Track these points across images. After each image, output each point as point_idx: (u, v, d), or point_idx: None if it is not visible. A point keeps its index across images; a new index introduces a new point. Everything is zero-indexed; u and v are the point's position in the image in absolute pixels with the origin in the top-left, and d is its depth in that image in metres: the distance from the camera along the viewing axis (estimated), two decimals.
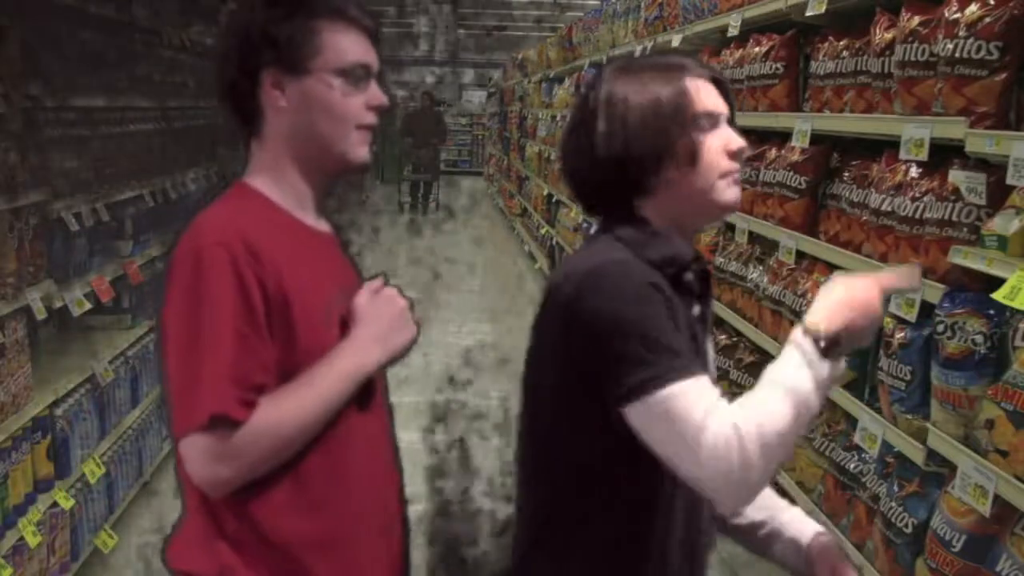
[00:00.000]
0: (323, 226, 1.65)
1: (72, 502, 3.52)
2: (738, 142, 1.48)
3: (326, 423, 1.49)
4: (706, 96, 1.47)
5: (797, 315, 2.90)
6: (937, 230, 2.21)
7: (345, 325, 1.53)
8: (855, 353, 2.64)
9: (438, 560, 3.48)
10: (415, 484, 3.45)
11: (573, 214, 7.56)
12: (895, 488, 2.41)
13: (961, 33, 2.10)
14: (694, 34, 4.29)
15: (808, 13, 2.93)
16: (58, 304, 3.59)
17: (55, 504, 3.42)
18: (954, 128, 2.13)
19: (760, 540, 1.62)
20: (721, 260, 3.68)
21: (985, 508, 1.96)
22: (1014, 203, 2.01)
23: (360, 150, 1.59)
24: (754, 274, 3.38)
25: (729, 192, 1.48)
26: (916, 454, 2.29)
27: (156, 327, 1.53)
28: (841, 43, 2.84)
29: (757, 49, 3.37)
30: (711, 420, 1.29)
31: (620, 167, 1.45)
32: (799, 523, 1.60)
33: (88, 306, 3.81)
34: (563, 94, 8.96)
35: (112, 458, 4.01)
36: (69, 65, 3.85)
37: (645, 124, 1.43)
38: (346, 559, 1.55)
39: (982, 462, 1.98)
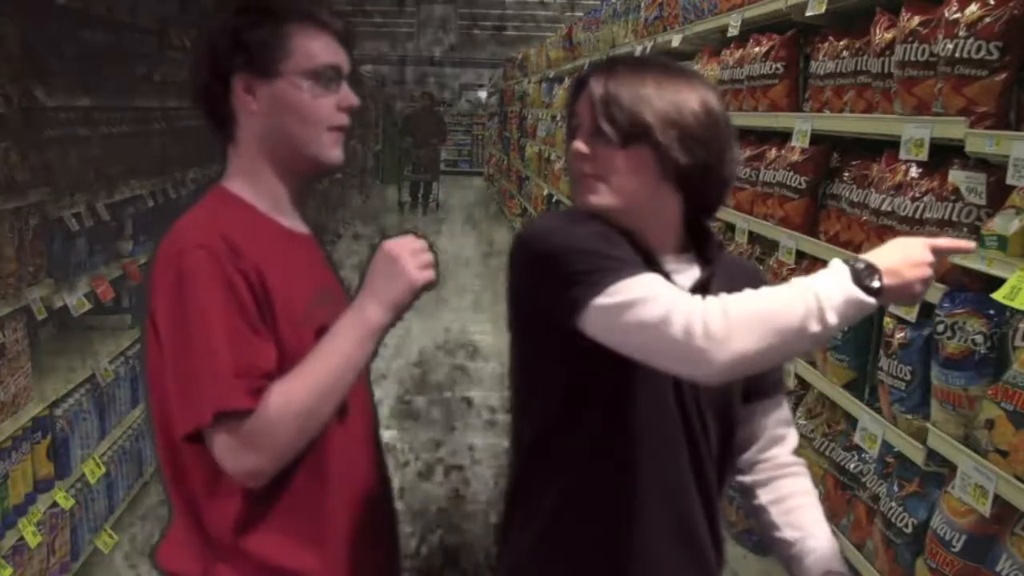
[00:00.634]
0: (300, 227, 1.66)
1: (72, 502, 3.52)
2: None
3: (348, 388, 1.50)
4: None
5: None
6: (937, 230, 2.21)
7: (324, 327, 1.53)
8: (855, 353, 2.66)
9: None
10: None
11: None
12: (895, 488, 2.41)
13: (961, 33, 2.10)
14: (694, 34, 4.29)
15: (808, 13, 2.92)
16: (58, 304, 3.59)
17: (55, 504, 3.42)
18: (954, 128, 2.13)
19: (787, 559, 1.63)
20: None
21: (985, 508, 1.96)
22: (1014, 203, 2.01)
23: (332, 151, 1.60)
24: None
25: None
26: (916, 454, 2.29)
27: (142, 335, 1.54)
28: (841, 43, 2.84)
29: (757, 49, 3.37)
30: (665, 299, 1.31)
31: None
32: (818, 554, 1.59)
33: (88, 306, 3.81)
34: (563, 94, 8.95)
35: (112, 458, 4.01)
36: (69, 65, 3.85)
37: None
38: (331, 561, 1.55)
39: (982, 462, 1.98)
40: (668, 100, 1.46)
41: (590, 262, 1.37)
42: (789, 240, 3.05)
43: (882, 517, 2.42)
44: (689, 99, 1.48)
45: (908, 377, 2.33)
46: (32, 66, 3.45)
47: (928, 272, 1.38)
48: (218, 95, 1.56)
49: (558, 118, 8.96)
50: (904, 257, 1.36)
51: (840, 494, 2.76)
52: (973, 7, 2.09)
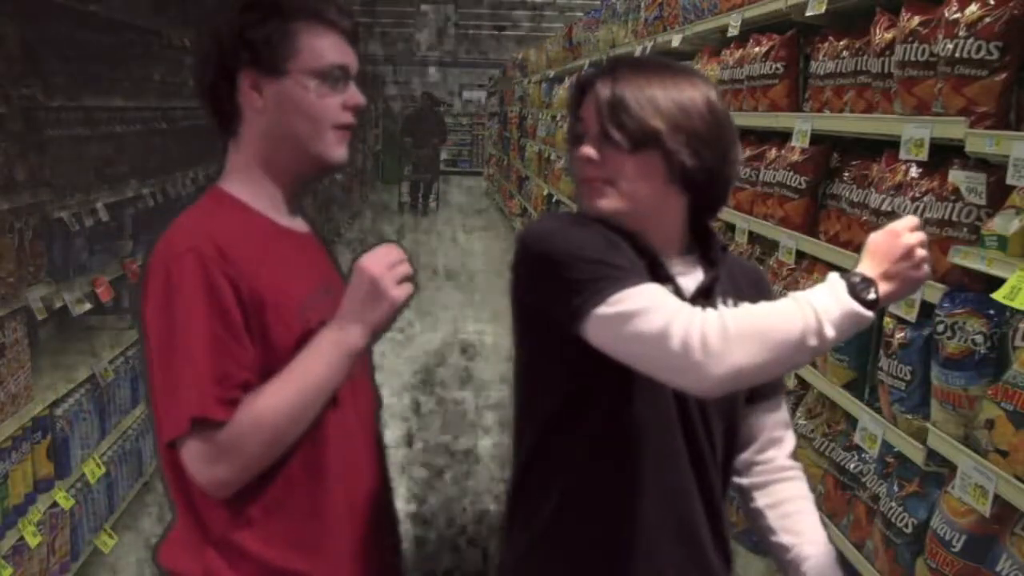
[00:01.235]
0: (300, 225, 1.66)
1: (72, 502, 3.52)
2: None
3: (321, 406, 1.49)
4: None
5: None
6: (937, 230, 2.21)
7: (320, 327, 1.52)
8: (855, 354, 2.66)
9: None
10: None
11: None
12: (895, 488, 2.41)
13: (961, 33, 2.10)
14: (694, 34, 4.29)
15: (808, 13, 2.92)
16: (58, 304, 3.59)
17: (55, 504, 3.42)
18: (954, 128, 2.13)
19: (783, 564, 1.63)
20: None
21: (985, 508, 1.96)
22: (1014, 203, 2.01)
23: (337, 150, 1.59)
24: None
25: None
26: (916, 454, 2.29)
27: (139, 336, 1.54)
28: (841, 43, 2.84)
29: (757, 49, 3.37)
30: (665, 311, 1.32)
31: None
32: (814, 561, 1.59)
33: (88, 306, 3.81)
34: (563, 94, 8.95)
35: (112, 458, 4.01)
36: (69, 65, 3.85)
37: None
38: (331, 561, 1.55)
39: (982, 462, 1.98)
40: (675, 102, 1.46)
41: (593, 270, 1.37)
42: (789, 240, 3.05)
43: (882, 517, 2.42)
44: (694, 99, 1.48)
45: (908, 377, 2.33)
46: (32, 66, 3.45)
47: (919, 254, 1.39)
48: (223, 92, 1.56)
49: (558, 118, 8.96)
50: (887, 257, 1.37)
51: (840, 494, 2.76)
52: (973, 7, 2.09)
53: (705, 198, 1.53)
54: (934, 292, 2.18)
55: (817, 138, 2.96)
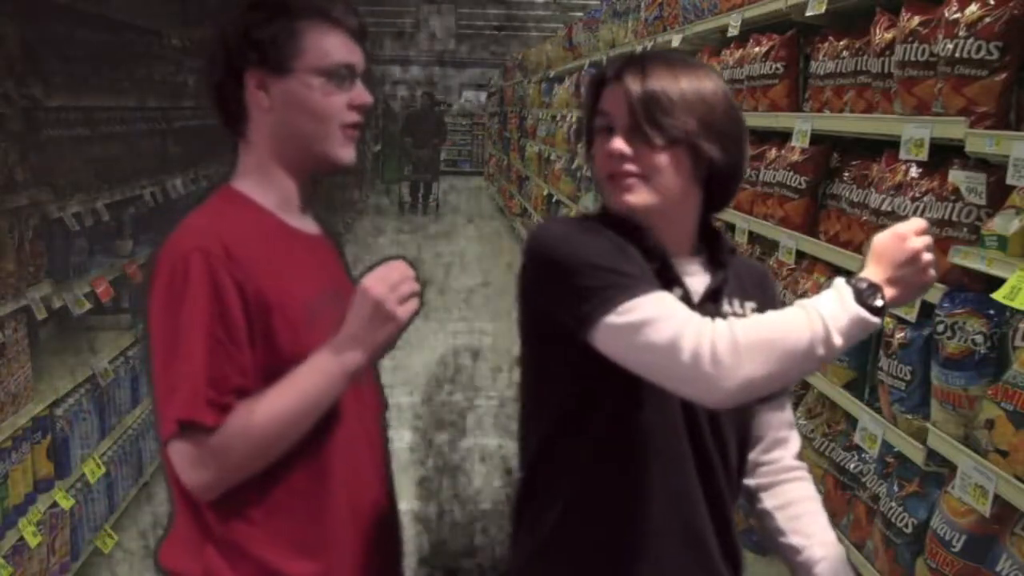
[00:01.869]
0: (310, 227, 1.65)
1: (72, 502, 3.52)
2: None
3: (313, 423, 1.48)
4: None
5: None
6: (937, 230, 2.21)
7: (328, 330, 1.51)
8: (855, 354, 2.66)
9: None
10: None
11: (572, 215, 7.56)
12: (895, 488, 2.41)
13: (961, 33, 2.10)
14: (694, 34, 4.29)
15: (808, 13, 2.92)
16: (58, 304, 3.59)
17: (55, 504, 3.42)
18: (954, 128, 2.13)
19: (794, 566, 1.62)
20: None
21: (985, 508, 1.96)
22: (1014, 203, 2.01)
23: (344, 149, 1.59)
24: None
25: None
26: (916, 454, 2.29)
27: (143, 333, 1.54)
28: (841, 43, 2.84)
29: (757, 49, 3.37)
30: (676, 321, 1.31)
31: None
32: (828, 563, 1.59)
33: (88, 306, 3.81)
34: (563, 94, 8.96)
35: (112, 458, 4.01)
36: (69, 65, 3.85)
37: None
38: (332, 566, 1.55)
39: (982, 462, 1.98)
40: (702, 97, 1.46)
41: (602, 277, 1.36)
42: (789, 240, 3.05)
43: (882, 517, 2.42)
44: (716, 93, 1.48)
45: (908, 377, 2.33)
46: (32, 66, 3.45)
47: (925, 258, 1.38)
48: (230, 92, 1.56)
49: (558, 118, 8.96)
50: (894, 261, 1.37)
51: (840, 494, 2.76)
52: (973, 7, 2.09)
53: (719, 194, 1.53)
54: (934, 292, 2.18)
55: (817, 138, 2.96)
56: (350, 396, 1.55)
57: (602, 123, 1.49)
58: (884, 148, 2.55)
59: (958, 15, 2.13)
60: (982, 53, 2.06)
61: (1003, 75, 2.05)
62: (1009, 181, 1.92)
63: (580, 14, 10.30)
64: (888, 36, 2.51)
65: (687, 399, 1.37)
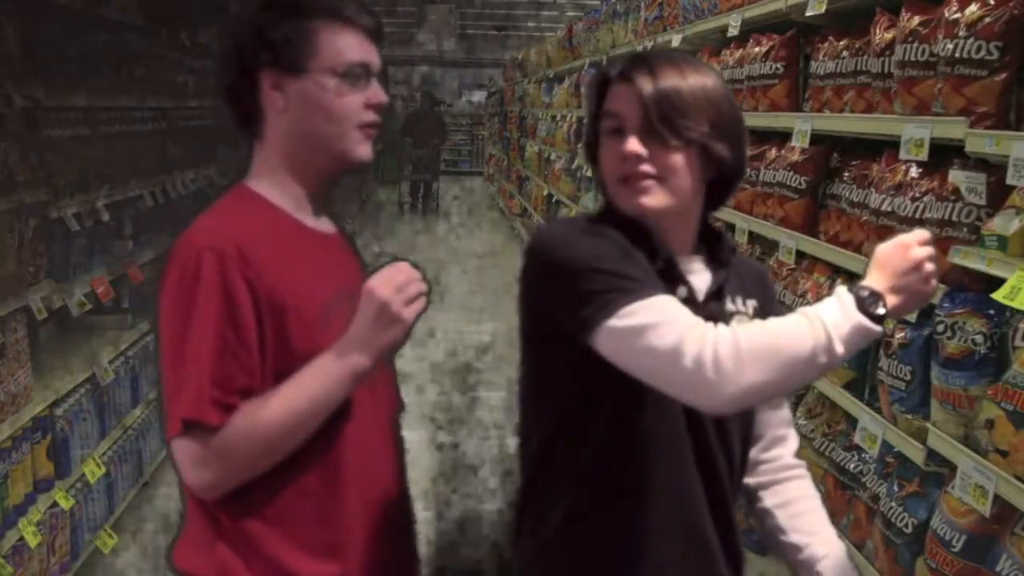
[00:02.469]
0: (326, 226, 1.64)
1: (72, 502, 3.52)
2: None
3: (319, 425, 1.48)
4: None
5: None
6: (937, 230, 2.21)
7: (341, 329, 1.51)
8: (855, 354, 2.65)
9: None
10: None
11: (572, 215, 7.56)
12: (895, 488, 2.41)
13: (961, 33, 2.10)
14: (694, 34, 4.29)
15: (808, 13, 2.92)
16: (58, 304, 3.59)
17: (55, 504, 3.42)
18: (954, 128, 2.13)
19: (795, 564, 1.62)
20: None
21: (985, 508, 1.96)
22: (1014, 203, 2.01)
23: (361, 148, 1.58)
24: None
25: None
26: (916, 454, 2.29)
27: (153, 330, 1.54)
28: (841, 43, 2.84)
29: (757, 49, 3.37)
30: (678, 326, 1.31)
31: None
32: (829, 560, 1.59)
33: (88, 306, 3.81)
34: (563, 94, 8.96)
35: (112, 458, 4.01)
36: (69, 65, 3.85)
37: None
38: (345, 562, 1.55)
39: (982, 462, 1.98)
40: (708, 96, 1.46)
41: (605, 280, 1.36)
42: (789, 240, 3.05)
43: (882, 517, 2.42)
44: (720, 92, 1.48)
45: (908, 377, 2.33)
46: (32, 66, 3.45)
47: (927, 268, 1.38)
48: (245, 93, 1.55)
49: (558, 118, 8.96)
50: (896, 270, 1.37)
51: (840, 494, 2.76)
52: (973, 7, 2.09)
53: (722, 193, 1.54)
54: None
55: (817, 138, 2.96)
56: (365, 396, 1.55)
57: (610, 124, 1.48)
58: (884, 148, 2.55)
59: (958, 15, 2.13)
60: (982, 53, 2.06)
61: (1003, 75, 2.05)
62: (1009, 181, 1.92)
63: (580, 14, 10.30)
64: (888, 36, 2.51)
65: (688, 405, 1.37)
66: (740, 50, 3.57)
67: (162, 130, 5.05)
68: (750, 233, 3.45)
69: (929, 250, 1.39)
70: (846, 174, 2.86)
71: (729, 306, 1.53)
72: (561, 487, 1.50)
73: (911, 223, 2.32)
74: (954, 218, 2.19)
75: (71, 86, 3.84)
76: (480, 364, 6.25)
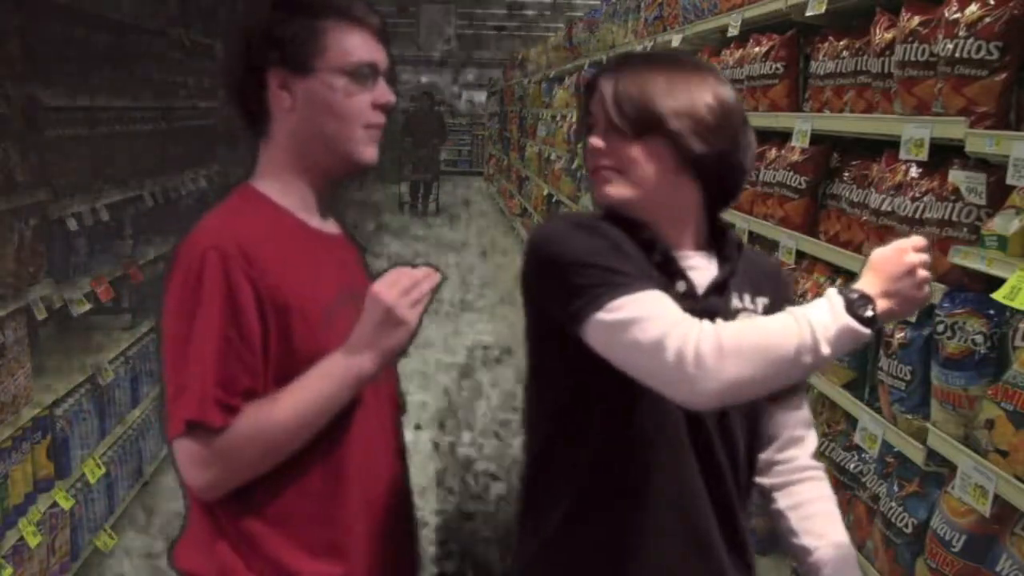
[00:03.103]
0: (331, 227, 1.64)
1: (72, 502, 3.52)
2: None
3: (322, 427, 1.48)
4: None
5: None
6: (937, 230, 2.21)
7: (345, 330, 1.51)
8: (855, 354, 2.66)
9: None
10: None
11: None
12: (895, 488, 2.41)
13: (961, 33, 2.10)
14: (694, 34, 4.29)
15: (808, 13, 2.92)
16: (58, 304, 3.59)
17: (55, 504, 3.42)
18: (954, 128, 2.13)
19: (805, 567, 1.61)
20: None
21: (985, 508, 1.96)
22: (1014, 203, 2.01)
23: (368, 149, 1.58)
24: None
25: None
26: (916, 454, 2.29)
27: (157, 330, 1.54)
28: (841, 43, 2.84)
29: (757, 49, 3.37)
30: (663, 321, 1.32)
31: None
32: (836, 565, 1.58)
33: (88, 306, 3.81)
34: (563, 94, 8.96)
35: (112, 458, 4.01)
36: (69, 65, 3.85)
37: None
38: (346, 562, 1.55)
39: (982, 462, 1.98)
40: (679, 92, 1.47)
41: (595, 275, 1.37)
42: (789, 240, 3.05)
43: (882, 517, 2.42)
44: (701, 91, 1.48)
45: (908, 377, 2.33)
46: (32, 66, 3.45)
47: (922, 274, 1.38)
48: (252, 92, 1.55)
49: (558, 118, 8.96)
50: (890, 275, 1.37)
51: (840, 494, 2.75)
52: (973, 7, 2.09)
53: (719, 187, 1.53)
54: (934, 292, 2.19)
55: (817, 138, 2.96)
56: (368, 396, 1.55)
57: (588, 123, 1.53)
58: (884, 148, 2.55)
59: (958, 15, 2.13)
60: (982, 53, 2.06)
61: (1003, 75, 2.05)
62: (1009, 181, 1.92)
63: (580, 14, 10.30)
64: (888, 36, 2.51)
65: (670, 399, 1.37)
66: (740, 50, 3.57)
67: (162, 130, 5.05)
68: (750, 233, 3.45)
69: (924, 256, 1.39)
70: (846, 174, 2.86)
71: (735, 303, 1.52)
72: (561, 487, 1.50)
73: (911, 223, 2.32)
74: (954, 218, 2.19)
75: (71, 86, 3.84)
76: (480, 364, 6.24)
